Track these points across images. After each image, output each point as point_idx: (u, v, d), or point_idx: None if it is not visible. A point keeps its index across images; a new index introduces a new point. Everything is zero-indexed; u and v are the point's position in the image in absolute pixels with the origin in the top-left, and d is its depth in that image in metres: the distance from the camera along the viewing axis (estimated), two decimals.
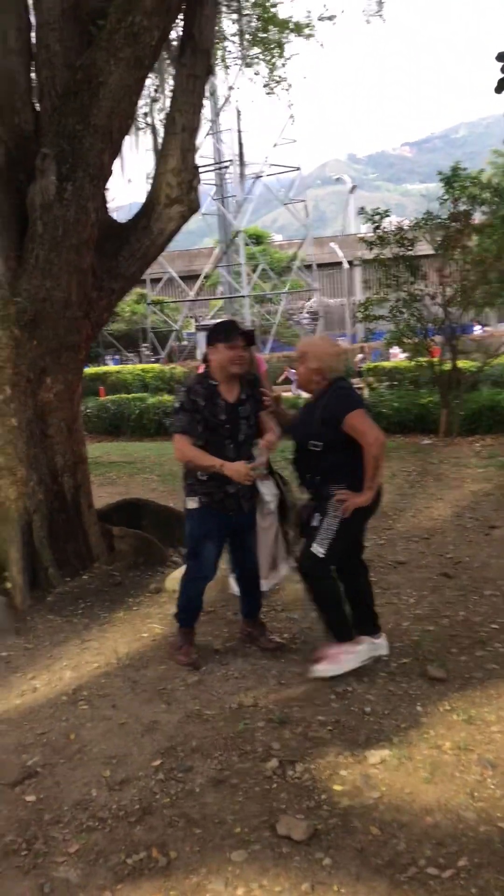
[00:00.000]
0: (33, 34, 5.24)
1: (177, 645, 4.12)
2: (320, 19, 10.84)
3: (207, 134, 32.80)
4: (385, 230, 11.11)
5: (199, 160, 5.64)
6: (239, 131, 31.55)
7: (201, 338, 34.11)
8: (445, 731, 3.17)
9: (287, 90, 13.19)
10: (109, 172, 5.32)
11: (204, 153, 33.77)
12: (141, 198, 5.76)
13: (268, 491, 4.04)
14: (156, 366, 27.02)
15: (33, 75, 5.31)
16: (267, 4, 10.43)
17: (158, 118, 11.26)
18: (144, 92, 5.73)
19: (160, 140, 5.68)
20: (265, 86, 11.96)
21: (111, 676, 3.95)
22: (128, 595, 5.14)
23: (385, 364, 19.18)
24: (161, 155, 5.53)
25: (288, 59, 11.65)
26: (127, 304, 36.39)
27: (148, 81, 6.36)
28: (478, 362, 12.47)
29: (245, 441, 3.89)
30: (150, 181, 5.64)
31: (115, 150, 5.28)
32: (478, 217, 10.98)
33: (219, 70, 12.18)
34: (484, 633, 4.14)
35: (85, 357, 5.61)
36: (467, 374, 11.63)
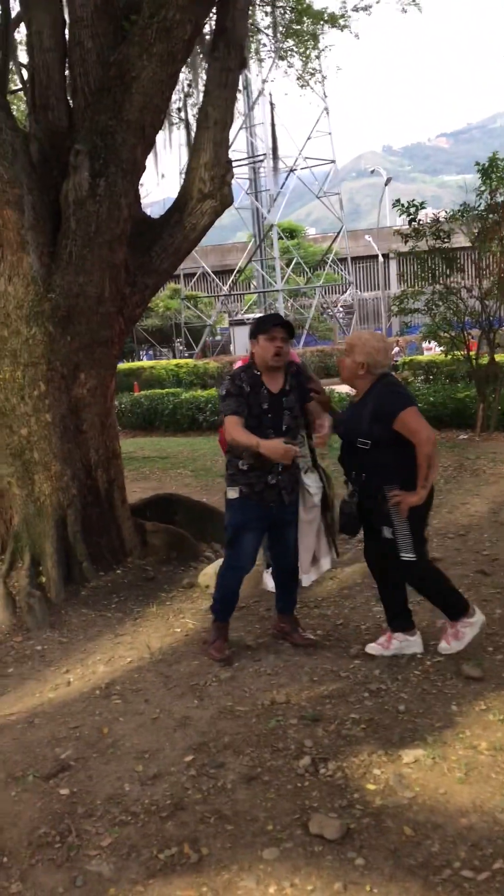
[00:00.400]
0: (67, 31, 5.27)
1: (210, 639, 4.12)
2: (355, 10, 10.72)
3: (241, 128, 32.77)
4: (421, 222, 10.97)
5: (232, 154, 5.62)
6: (273, 125, 31.44)
7: (235, 332, 34.21)
8: (481, 731, 3.12)
9: (321, 82, 13.11)
10: (142, 168, 5.33)
11: (237, 147, 33.74)
12: (173, 193, 5.76)
13: (313, 483, 4.07)
14: (189, 361, 27.12)
15: (67, 72, 5.33)
16: None
17: (192, 113, 11.28)
18: (178, 87, 5.73)
19: (193, 134, 5.66)
20: (299, 78, 11.89)
21: (144, 671, 3.97)
22: (160, 590, 5.16)
23: (421, 358, 18.98)
24: (194, 149, 5.51)
25: (322, 50, 11.58)
26: (160, 299, 36.56)
27: (181, 76, 6.36)
28: None
29: (287, 432, 3.88)
30: (183, 176, 5.63)
31: (148, 146, 5.29)
32: None
33: (252, 63, 12.16)
34: None
35: (118, 352, 5.63)
36: None
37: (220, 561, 5.26)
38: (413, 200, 10.99)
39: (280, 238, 35.98)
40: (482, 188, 10.48)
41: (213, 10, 5.56)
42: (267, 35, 11.63)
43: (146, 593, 5.11)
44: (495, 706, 3.30)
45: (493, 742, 3.02)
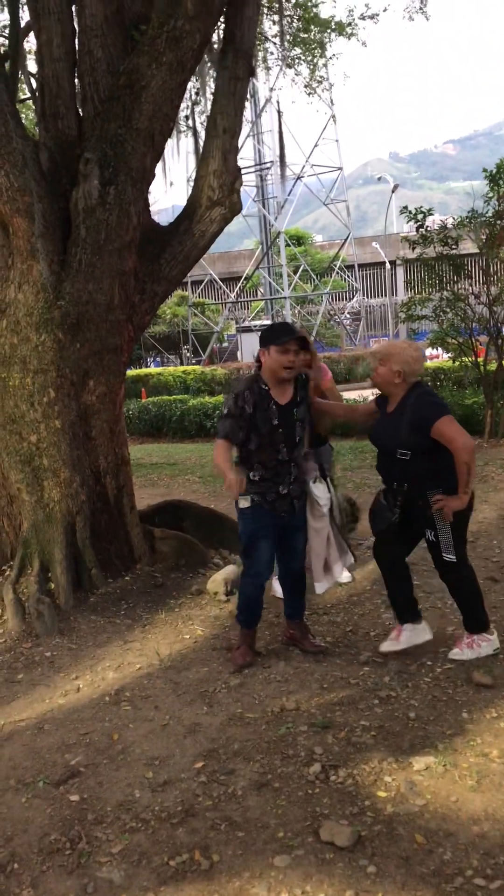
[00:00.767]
0: (77, 41, 5.30)
1: (235, 645, 4.13)
2: (362, 18, 10.76)
3: (248, 135, 32.89)
4: (428, 229, 10.97)
5: (239, 162, 5.64)
6: (280, 132, 31.51)
7: (243, 339, 34.27)
8: (493, 738, 3.11)
9: (328, 90, 13.15)
10: (152, 176, 5.36)
11: (244, 155, 33.82)
12: (182, 201, 5.79)
13: (321, 494, 4.07)
14: (197, 367, 27.15)
15: (76, 81, 5.37)
16: (308, 4, 10.40)
17: (199, 121, 11.33)
18: (185, 95, 5.75)
19: (201, 142, 5.70)
20: (306, 86, 11.93)
21: (153, 678, 3.97)
22: (169, 596, 5.16)
23: (428, 364, 18.95)
24: (202, 157, 5.54)
25: (329, 59, 11.60)
26: (168, 306, 36.67)
27: (189, 84, 6.40)
28: None
29: (300, 443, 3.92)
30: (192, 184, 5.66)
31: (158, 154, 5.32)
32: None
33: (259, 71, 12.21)
34: None
35: (127, 359, 5.65)
36: None
37: (229, 567, 5.29)
38: (421, 207, 11.00)
39: (287, 245, 36.05)
40: (490, 194, 10.48)
41: (222, 20, 5.59)
42: (274, 43, 11.69)
43: (155, 600, 5.12)
44: None
45: None
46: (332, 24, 10.84)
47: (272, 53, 12.24)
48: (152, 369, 28.21)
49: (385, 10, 10.79)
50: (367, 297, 42.25)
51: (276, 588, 4.75)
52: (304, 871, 2.45)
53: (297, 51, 11.38)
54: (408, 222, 11.16)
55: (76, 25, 5.32)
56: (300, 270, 38.39)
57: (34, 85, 7.01)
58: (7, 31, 7.41)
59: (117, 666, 4.16)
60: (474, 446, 3.58)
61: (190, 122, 11.60)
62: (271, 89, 29.84)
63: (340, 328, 38.64)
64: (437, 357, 19.82)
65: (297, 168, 35.42)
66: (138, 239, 5.28)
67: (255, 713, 3.47)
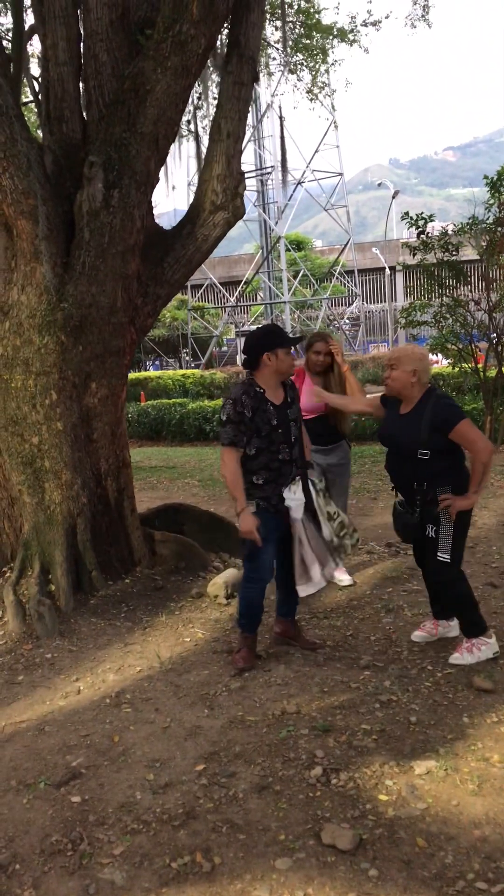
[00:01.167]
0: (82, 44, 5.32)
1: (236, 648, 4.13)
2: (364, 25, 10.81)
3: (249, 140, 32.97)
4: (429, 235, 11.01)
5: (241, 167, 5.66)
6: (282, 137, 31.60)
7: (242, 343, 34.24)
8: (493, 743, 3.12)
9: (330, 96, 13.20)
10: (156, 180, 5.37)
11: (245, 159, 33.92)
12: (184, 204, 5.82)
13: (291, 496, 3.97)
14: (196, 371, 27.17)
15: (81, 84, 5.39)
16: (311, 11, 10.44)
17: (202, 125, 11.37)
18: (188, 99, 5.77)
19: (203, 147, 5.72)
20: (308, 92, 11.97)
21: (154, 680, 3.97)
22: (170, 599, 5.17)
23: None
24: (206, 161, 5.56)
25: (331, 65, 11.65)
26: (168, 309, 36.68)
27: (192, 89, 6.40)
28: None
29: (296, 443, 3.98)
30: (194, 188, 5.67)
31: (162, 158, 5.33)
32: None
33: (262, 77, 12.24)
34: None
35: (129, 362, 5.66)
36: None
37: (230, 571, 5.29)
38: (421, 213, 11.04)
39: (287, 250, 36.10)
40: (491, 201, 10.52)
41: (226, 25, 5.62)
42: (277, 49, 11.74)
43: (155, 603, 5.12)
44: None
45: None
46: (335, 30, 10.88)
47: (274, 59, 12.30)
48: (151, 373, 28.22)
49: (387, 17, 10.82)
50: (367, 302, 42.31)
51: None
52: (306, 874, 2.45)
53: (300, 57, 11.42)
54: (408, 228, 11.20)
55: (81, 29, 5.34)
56: (300, 275, 38.44)
57: (37, 88, 7.04)
58: (10, 34, 7.43)
59: (118, 668, 4.16)
60: (493, 449, 3.72)
61: (192, 126, 11.65)
62: (273, 95, 29.94)
63: (340, 333, 38.67)
64: (437, 363, 19.87)
65: (297, 173, 35.50)
66: (141, 242, 5.29)
67: (256, 716, 3.48)
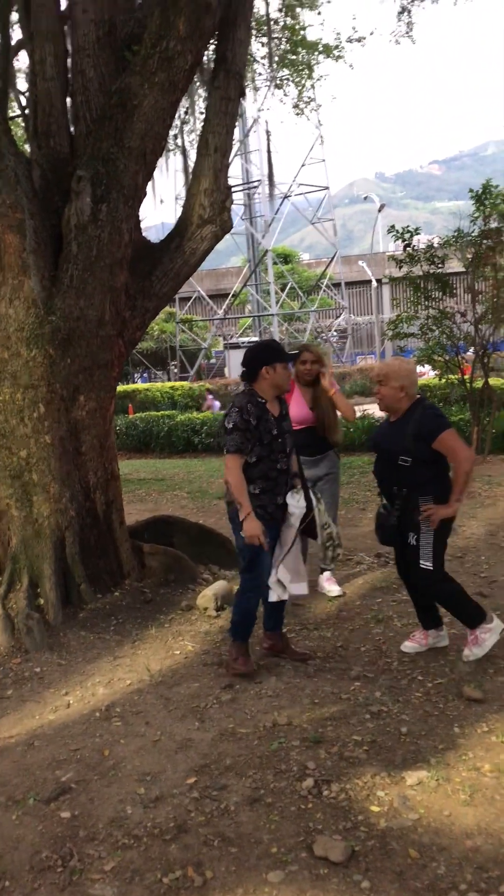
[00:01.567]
0: (69, 60, 5.36)
1: (231, 658, 4.12)
2: (349, 41, 10.91)
3: (236, 154, 33.16)
4: (415, 248, 11.09)
5: (228, 181, 5.70)
6: (268, 152, 31.85)
7: (231, 356, 34.35)
8: (484, 753, 3.12)
9: (316, 110, 13.32)
10: (143, 194, 5.40)
11: (232, 173, 34.08)
12: (171, 218, 5.84)
13: (293, 503, 4.07)
14: (185, 383, 27.20)
15: (68, 99, 5.42)
16: (296, 27, 10.54)
17: (188, 139, 11.42)
18: (175, 114, 5.80)
19: (190, 161, 5.76)
20: (294, 107, 12.06)
21: (144, 693, 3.95)
22: (159, 612, 5.15)
23: None
24: (194, 176, 5.59)
25: (317, 80, 11.75)
26: (156, 322, 36.71)
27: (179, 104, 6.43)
28: None
29: (291, 453, 4.13)
30: (181, 202, 5.70)
31: (149, 172, 5.36)
32: None
33: (248, 92, 12.33)
34: None
35: (118, 375, 5.66)
36: (499, 391, 11.53)
37: (219, 583, 5.28)
38: (407, 226, 11.12)
39: (274, 263, 36.28)
40: (476, 214, 10.63)
41: (213, 41, 5.67)
42: (263, 65, 11.83)
43: (144, 616, 5.10)
44: (498, 728, 3.30)
45: (497, 764, 3.02)
46: (320, 46, 10.98)
47: (260, 74, 12.38)
48: (140, 385, 28.23)
49: (372, 34, 10.95)
50: (354, 314, 42.52)
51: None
52: (299, 887, 2.44)
53: (286, 72, 11.52)
54: (395, 241, 11.28)
55: (69, 45, 5.37)
56: (287, 288, 38.62)
57: (24, 103, 7.06)
58: None
59: (107, 682, 4.14)
60: (475, 458, 3.72)
61: (179, 140, 11.70)
62: (259, 109, 30.20)
63: (328, 345, 38.83)
64: (424, 374, 19.98)
65: (284, 187, 35.76)
66: (129, 256, 5.31)
67: (247, 728, 3.47)
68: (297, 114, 12.22)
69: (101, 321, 5.19)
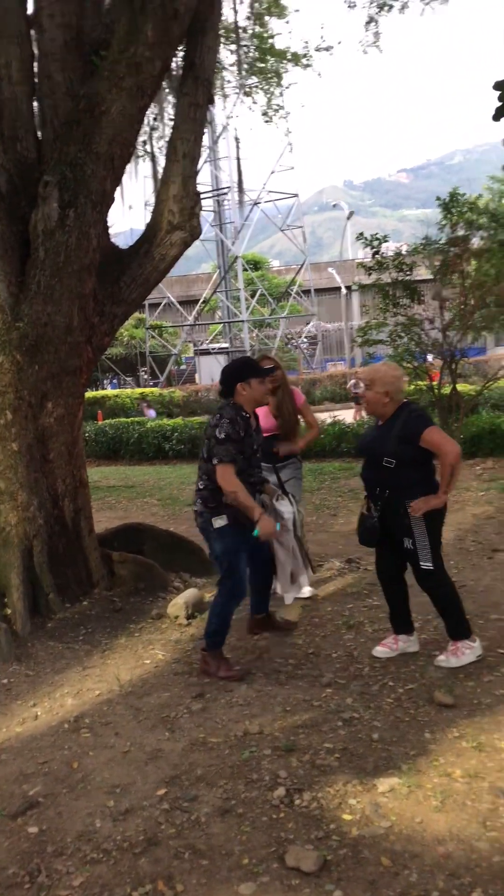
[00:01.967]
0: (36, 64, 5.31)
1: (213, 667, 4.11)
2: (318, 50, 10.98)
3: (205, 161, 33.20)
4: (383, 255, 11.18)
5: (197, 187, 5.69)
6: (238, 159, 31.93)
7: (201, 362, 34.32)
8: (455, 758, 3.12)
9: (285, 118, 13.36)
10: (111, 199, 5.36)
11: (202, 180, 34.11)
12: (139, 224, 5.81)
13: (285, 509, 4.39)
14: (155, 389, 27.11)
15: (35, 104, 5.37)
16: (265, 35, 10.58)
17: (157, 146, 11.39)
18: (143, 120, 5.79)
19: (159, 167, 5.74)
20: (263, 114, 12.10)
21: (113, 704, 3.90)
22: (129, 621, 5.10)
23: None
24: (162, 182, 5.57)
25: (286, 88, 11.80)
26: (125, 328, 36.57)
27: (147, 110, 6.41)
28: (477, 386, 12.50)
29: (259, 466, 4.30)
30: (150, 208, 5.68)
31: (117, 177, 5.33)
32: (476, 242, 11.06)
33: (217, 99, 12.34)
34: (491, 658, 4.09)
35: (86, 381, 5.61)
36: (467, 397, 11.65)
37: (190, 591, 5.25)
38: (376, 234, 11.21)
39: (244, 269, 36.33)
40: (443, 222, 10.75)
41: (182, 48, 5.66)
42: (231, 72, 11.86)
43: (114, 625, 5.04)
44: (468, 733, 3.30)
45: (468, 769, 3.02)
46: (288, 54, 11.04)
47: (229, 81, 12.40)
48: (109, 391, 28.06)
49: (339, 44, 11.02)
50: (324, 321, 42.74)
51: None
52: None
53: (254, 79, 11.56)
54: (363, 248, 11.37)
55: (35, 49, 5.32)
56: (257, 294, 38.69)
57: None
58: None
59: (76, 692, 4.08)
60: (460, 452, 3.85)
61: (148, 146, 11.66)
62: (229, 117, 30.27)
63: (298, 352, 38.97)
64: None
65: (253, 194, 35.86)
66: (98, 261, 5.27)
67: (218, 738, 3.44)
68: (267, 121, 12.25)
69: (69, 327, 5.14)
